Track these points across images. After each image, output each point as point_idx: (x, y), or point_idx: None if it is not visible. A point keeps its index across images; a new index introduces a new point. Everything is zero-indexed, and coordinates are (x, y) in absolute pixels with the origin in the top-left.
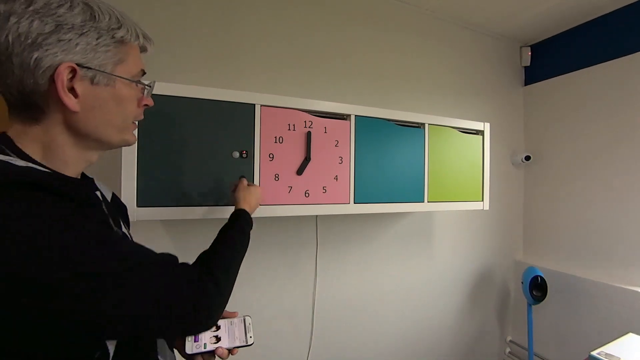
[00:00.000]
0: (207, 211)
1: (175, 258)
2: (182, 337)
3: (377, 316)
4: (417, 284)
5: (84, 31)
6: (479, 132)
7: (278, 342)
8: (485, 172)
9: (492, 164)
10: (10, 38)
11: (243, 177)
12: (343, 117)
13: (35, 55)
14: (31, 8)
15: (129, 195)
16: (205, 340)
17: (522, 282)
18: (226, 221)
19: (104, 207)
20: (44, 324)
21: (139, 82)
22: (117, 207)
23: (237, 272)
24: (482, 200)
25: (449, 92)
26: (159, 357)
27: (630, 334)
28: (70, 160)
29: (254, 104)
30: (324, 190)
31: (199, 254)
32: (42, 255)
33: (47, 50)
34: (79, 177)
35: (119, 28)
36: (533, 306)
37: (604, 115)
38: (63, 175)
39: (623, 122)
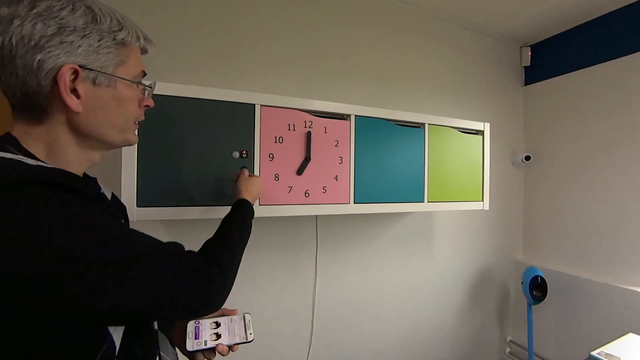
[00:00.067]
0: (207, 211)
1: (181, 246)
2: (184, 332)
3: (377, 316)
4: (417, 284)
5: (86, 33)
6: (479, 132)
7: (278, 342)
8: (485, 172)
9: (492, 164)
10: (13, 40)
11: (244, 167)
12: (343, 117)
13: (38, 57)
14: (34, 11)
15: (129, 195)
16: (206, 338)
17: (522, 282)
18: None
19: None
20: (46, 323)
21: (139, 83)
22: (117, 207)
23: (240, 259)
24: (482, 200)
25: (449, 92)
26: (161, 353)
27: (630, 334)
28: (73, 160)
29: (254, 104)
30: (324, 190)
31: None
32: (41, 255)
33: (49, 52)
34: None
35: (120, 30)
36: (533, 306)
37: (604, 115)
38: (72, 173)
39: (623, 122)
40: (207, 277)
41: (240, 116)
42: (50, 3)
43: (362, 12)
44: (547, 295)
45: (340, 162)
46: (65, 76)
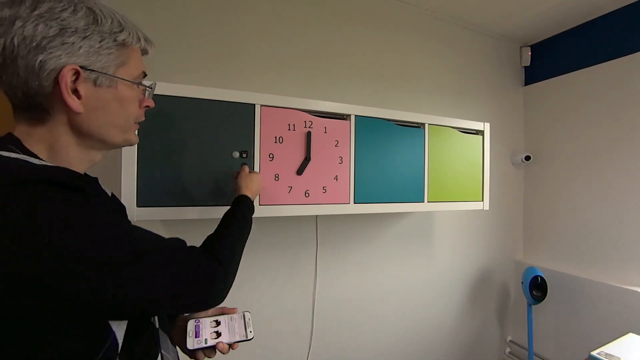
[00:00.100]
0: (207, 211)
1: (183, 242)
2: (184, 331)
3: (377, 316)
4: (417, 284)
5: (87, 34)
6: (479, 132)
7: (278, 342)
8: (485, 172)
9: (492, 164)
10: (15, 41)
11: (245, 164)
12: (343, 117)
13: (40, 57)
14: (36, 12)
15: (129, 195)
16: (206, 336)
17: (522, 282)
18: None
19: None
20: (46, 323)
21: (140, 83)
22: (117, 207)
23: (241, 255)
24: (482, 200)
25: (449, 92)
26: (162, 351)
27: (630, 334)
28: (75, 160)
29: (254, 104)
30: (324, 190)
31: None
32: (41, 255)
33: (51, 53)
34: None
35: (120, 31)
36: (533, 306)
37: (604, 115)
38: (75, 171)
39: (623, 122)
40: (209, 272)
41: (240, 116)
42: (52, 4)
43: (362, 12)
44: (547, 295)
45: (340, 162)
46: (67, 77)
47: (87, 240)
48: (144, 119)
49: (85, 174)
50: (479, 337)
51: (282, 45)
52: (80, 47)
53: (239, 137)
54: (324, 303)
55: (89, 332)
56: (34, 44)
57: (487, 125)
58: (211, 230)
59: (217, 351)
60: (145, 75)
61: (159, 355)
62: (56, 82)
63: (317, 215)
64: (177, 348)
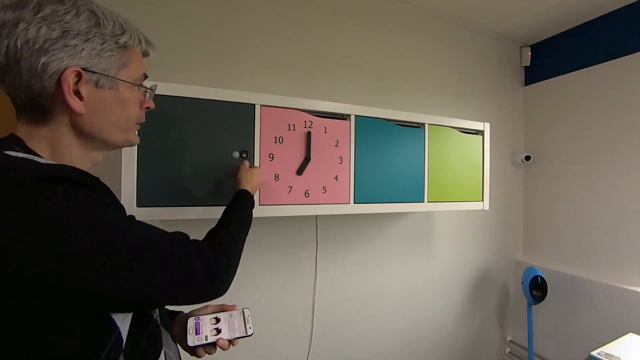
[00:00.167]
0: (208, 211)
1: (186, 235)
2: (184, 328)
3: (377, 316)
4: (417, 284)
5: (89, 37)
6: (479, 132)
7: (278, 342)
8: (485, 172)
9: (492, 164)
10: (18, 43)
11: (245, 159)
12: (343, 117)
13: (43, 59)
14: (39, 15)
15: (128, 195)
16: (207, 333)
17: (522, 282)
18: None
19: None
20: (46, 323)
21: (141, 85)
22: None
23: (242, 247)
24: (482, 200)
25: (449, 92)
26: (164, 348)
27: (630, 334)
28: (76, 160)
29: (254, 104)
30: (324, 190)
31: None
32: (45, 252)
33: (54, 55)
34: None
35: (122, 34)
36: (533, 306)
37: (604, 115)
38: (80, 169)
39: (623, 122)
40: (212, 264)
41: (240, 116)
42: (54, 7)
43: (362, 12)
44: (547, 295)
45: (340, 162)
46: (69, 78)
47: (93, 234)
48: (144, 120)
49: None
50: (479, 337)
51: (282, 45)
52: (83, 50)
53: (239, 137)
54: (324, 303)
55: (92, 331)
56: (37, 46)
57: (487, 125)
58: None
59: (217, 347)
60: (146, 77)
61: (162, 351)
62: (58, 83)
63: (317, 215)
64: (178, 345)
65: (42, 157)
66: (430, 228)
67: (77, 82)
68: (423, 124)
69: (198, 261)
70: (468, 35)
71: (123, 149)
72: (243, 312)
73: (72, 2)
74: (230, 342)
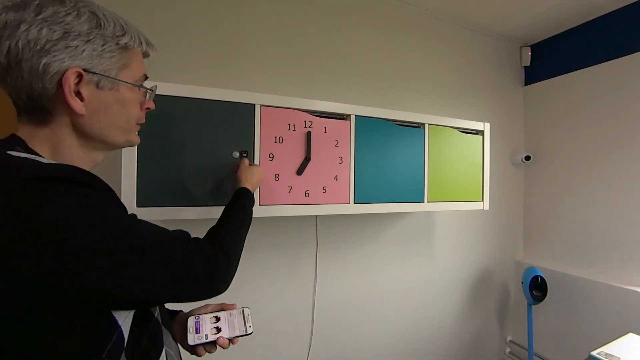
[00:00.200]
0: (208, 211)
1: (187, 234)
2: (184, 327)
3: (377, 316)
4: (417, 284)
5: (90, 38)
6: (479, 132)
7: (278, 342)
8: (485, 172)
9: (492, 164)
10: (20, 44)
11: (245, 157)
12: (343, 117)
13: (44, 60)
14: (40, 16)
15: (128, 195)
16: (207, 332)
17: (522, 282)
18: None
19: None
20: (46, 323)
21: (141, 86)
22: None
23: (243, 245)
24: (482, 200)
25: (449, 92)
26: (165, 347)
27: (630, 334)
28: (77, 161)
29: (254, 104)
30: (324, 190)
31: None
32: (47, 251)
33: (55, 56)
34: None
35: (123, 35)
36: (533, 306)
37: (604, 115)
38: (82, 168)
39: (623, 122)
40: (213, 262)
41: (240, 116)
42: (56, 9)
43: (362, 12)
44: (547, 295)
45: (340, 162)
46: (70, 79)
47: (95, 233)
48: (144, 120)
49: None
50: (479, 337)
51: (282, 45)
52: (84, 51)
53: (239, 137)
54: (324, 303)
55: (93, 330)
56: (38, 47)
57: (487, 125)
58: None
59: (217, 346)
60: (146, 77)
61: (163, 350)
62: (59, 84)
63: (317, 215)
64: (178, 344)
65: (43, 158)
66: (430, 228)
67: (78, 83)
68: (423, 124)
69: (199, 259)
70: (468, 35)
71: (123, 149)
72: (243, 311)
73: (73, 4)
74: (231, 340)
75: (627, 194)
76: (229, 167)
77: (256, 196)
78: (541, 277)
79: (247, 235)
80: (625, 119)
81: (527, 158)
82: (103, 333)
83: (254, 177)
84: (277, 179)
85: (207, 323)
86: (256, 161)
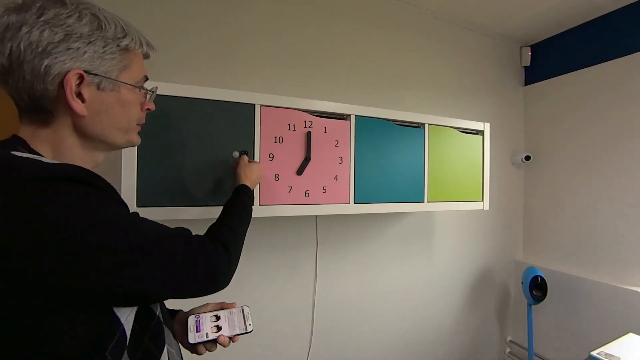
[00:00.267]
0: (208, 211)
1: (188, 231)
2: (185, 326)
3: (377, 316)
4: (417, 284)
5: (92, 40)
6: (479, 132)
7: (278, 342)
8: (485, 172)
9: (492, 164)
10: (22, 46)
11: (244, 154)
12: (343, 117)
13: (46, 62)
14: (42, 18)
15: (129, 195)
16: (207, 330)
17: (522, 282)
18: None
19: None
20: (46, 323)
21: (142, 87)
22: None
23: (243, 242)
24: (482, 200)
25: (449, 92)
26: (167, 346)
27: (630, 334)
28: (78, 161)
29: (254, 104)
30: (324, 190)
31: None
32: (49, 250)
33: (56, 57)
34: None
35: (124, 37)
36: (533, 306)
37: (604, 115)
38: (84, 167)
39: (623, 122)
40: (214, 258)
41: (240, 116)
42: (57, 11)
43: (362, 11)
44: (547, 295)
45: (340, 162)
46: (71, 81)
47: (98, 232)
48: (144, 121)
49: None
50: (479, 337)
51: (281, 44)
52: (85, 52)
53: (239, 137)
54: (324, 303)
55: (94, 328)
56: (40, 49)
57: (487, 125)
58: None
59: (217, 344)
60: (147, 79)
61: (165, 348)
62: (61, 86)
63: (317, 215)
64: (179, 343)
65: (45, 158)
66: (430, 228)
67: (79, 85)
68: (423, 124)
69: (200, 256)
70: (468, 35)
71: (123, 150)
72: (242, 309)
73: (75, 6)
74: (231, 338)
75: (627, 194)
76: (228, 167)
77: (256, 196)
78: (541, 277)
79: (247, 234)
80: (625, 119)
81: (527, 158)
82: (105, 332)
83: (254, 173)
84: (277, 179)
85: (207, 322)
86: (256, 161)
